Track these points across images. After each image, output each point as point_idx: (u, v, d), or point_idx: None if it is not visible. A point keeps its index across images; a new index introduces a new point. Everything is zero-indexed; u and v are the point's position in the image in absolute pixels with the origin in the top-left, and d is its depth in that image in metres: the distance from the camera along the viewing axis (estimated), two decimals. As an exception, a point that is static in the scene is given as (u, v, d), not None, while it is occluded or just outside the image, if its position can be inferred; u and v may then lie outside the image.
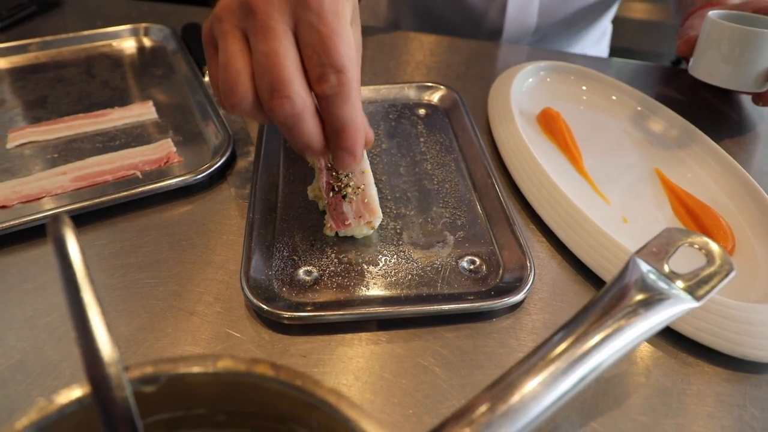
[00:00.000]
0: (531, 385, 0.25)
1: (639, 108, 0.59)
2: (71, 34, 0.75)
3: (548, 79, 0.63)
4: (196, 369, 0.23)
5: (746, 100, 0.66)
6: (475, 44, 0.77)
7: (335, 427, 0.22)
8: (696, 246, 0.31)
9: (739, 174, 0.50)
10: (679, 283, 0.29)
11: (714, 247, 0.31)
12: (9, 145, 0.55)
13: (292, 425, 0.25)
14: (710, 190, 0.50)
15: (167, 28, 0.76)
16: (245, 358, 0.23)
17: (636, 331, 0.28)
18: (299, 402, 0.23)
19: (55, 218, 0.22)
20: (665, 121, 0.57)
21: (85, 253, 0.23)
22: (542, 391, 0.25)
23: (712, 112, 0.63)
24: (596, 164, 0.53)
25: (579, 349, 0.27)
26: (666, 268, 0.30)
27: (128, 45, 0.75)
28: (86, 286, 0.22)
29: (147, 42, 0.76)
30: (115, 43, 0.75)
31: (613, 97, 0.61)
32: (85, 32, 0.75)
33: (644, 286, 0.29)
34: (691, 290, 0.29)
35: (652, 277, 0.29)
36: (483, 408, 0.24)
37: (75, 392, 0.22)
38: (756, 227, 0.46)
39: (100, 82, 0.67)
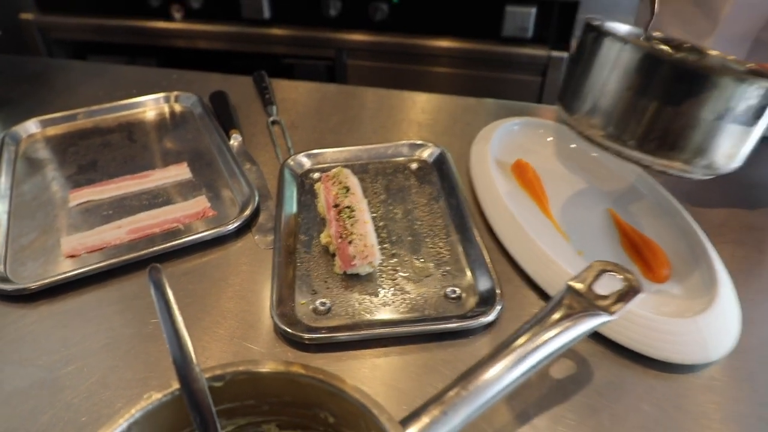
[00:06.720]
0: (490, 373, 0.35)
1: (594, 155, 0.70)
2: (113, 103, 0.86)
3: (521, 133, 0.75)
4: (251, 370, 0.33)
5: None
6: (461, 100, 0.88)
7: (347, 407, 0.32)
8: (613, 273, 0.41)
9: (677, 212, 0.60)
10: (600, 302, 0.39)
11: (627, 274, 0.41)
12: (71, 204, 0.66)
13: (316, 410, 0.35)
14: (653, 226, 0.60)
15: (194, 95, 0.88)
16: (285, 361, 0.33)
17: (567, 337, 0.38)
18: (321, 391, 0.33)
19: (154, 267, 0.32)
20: (617, 166, 0.68)
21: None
22: (498, 377, 0.35)
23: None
24: (560, 207, 0.63)
25: (525, 349, 0.37)
26: (591, 291, 0.40)
27: (162, 111, 0.87)
28: (176, 313, 0.32)
29: (177, 107, 0.88)
30: (151, 110, 0.87)
31: (573, 146, 0.72)
32: (124, 101, 0.87)
33: (573, 305, 0.39)
34: (608, 307, 0.39)
35: (580, 298, 0.40)
36: (453, 391, 0.34)
37: (167, 389, 0.32)
38: (688, 257, 0.56)
39: (140, 146, 0.78)
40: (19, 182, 0.71)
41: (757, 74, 0.52)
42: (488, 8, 1.47)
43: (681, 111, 0.43)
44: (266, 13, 1.58)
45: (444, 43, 1.55)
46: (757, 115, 0.44)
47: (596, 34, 0.48)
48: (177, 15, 1.65)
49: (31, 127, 0.82)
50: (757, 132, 0.47)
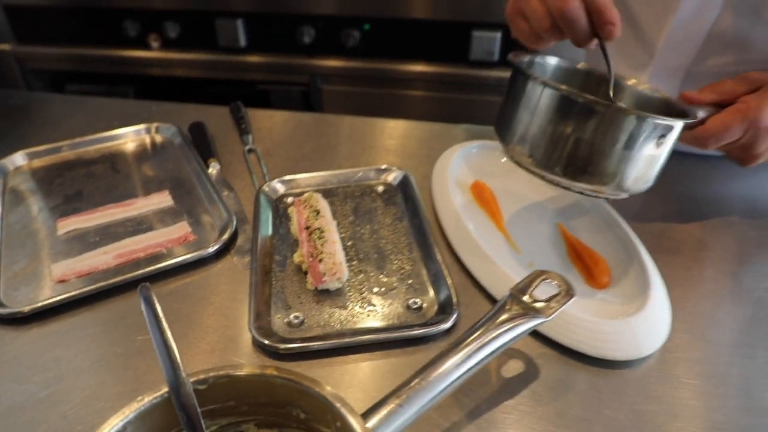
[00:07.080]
0: (441, 369, 0.41)
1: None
2: (95, 135, 0.90)
3: (478, 155, 0.81)
4: (230, 373, 0.38)
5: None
6: (428, 126, 0.94)
7: (316, 404, 0.37)
8: (549, 280, 0.47)
9: (618, 226, 0.66)
10: (536, 306, 0.45)
11: (562, 280, 0.47)
12: (59, 232, 0.70)
13: (289, 408, 0.40)
14: (597, 239, 0.66)
15: (174, 126, 0.93)
16: (260, 365, 0.38)
17: (508, 336, 0.44)
18: (293, 390, 0.38)
19: (144, 286, 0.37)
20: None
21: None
22: (448, 372, 0.40)
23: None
24: (514, 222, 0.69)
25: (472, 348, 0.42)
26: (530, 297, 0.46)
27: (143, 142, 0.92)
28: (164, 325, 0.37)
29: (158, 138, 0.92)
30: (132, 141, 0.92)
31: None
32: (107, 133, 0.92)
33: (513, 309, 0.45)
34: (543, 310, 0.45)
35: (519, 303, 0.45)
36: (409, 386, 0.40)
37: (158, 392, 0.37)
38: (627, 266, 0.62)
39: (123, 176, 0.83)
40: (9, 213, 0.74)
41: (669, 105, 0.59)
42: (456, 33, 1.55)
43: (594, 142, 0.50)
44: (242, 42, 1.64)
45: (415, 68, 1.61)
46: (657, 144, 0.51)
47: (523, 77, 0.55)
48: (154, 44, 1.70)
49: (18, 159, 0.85)
50: (661, 158, 0.54)
